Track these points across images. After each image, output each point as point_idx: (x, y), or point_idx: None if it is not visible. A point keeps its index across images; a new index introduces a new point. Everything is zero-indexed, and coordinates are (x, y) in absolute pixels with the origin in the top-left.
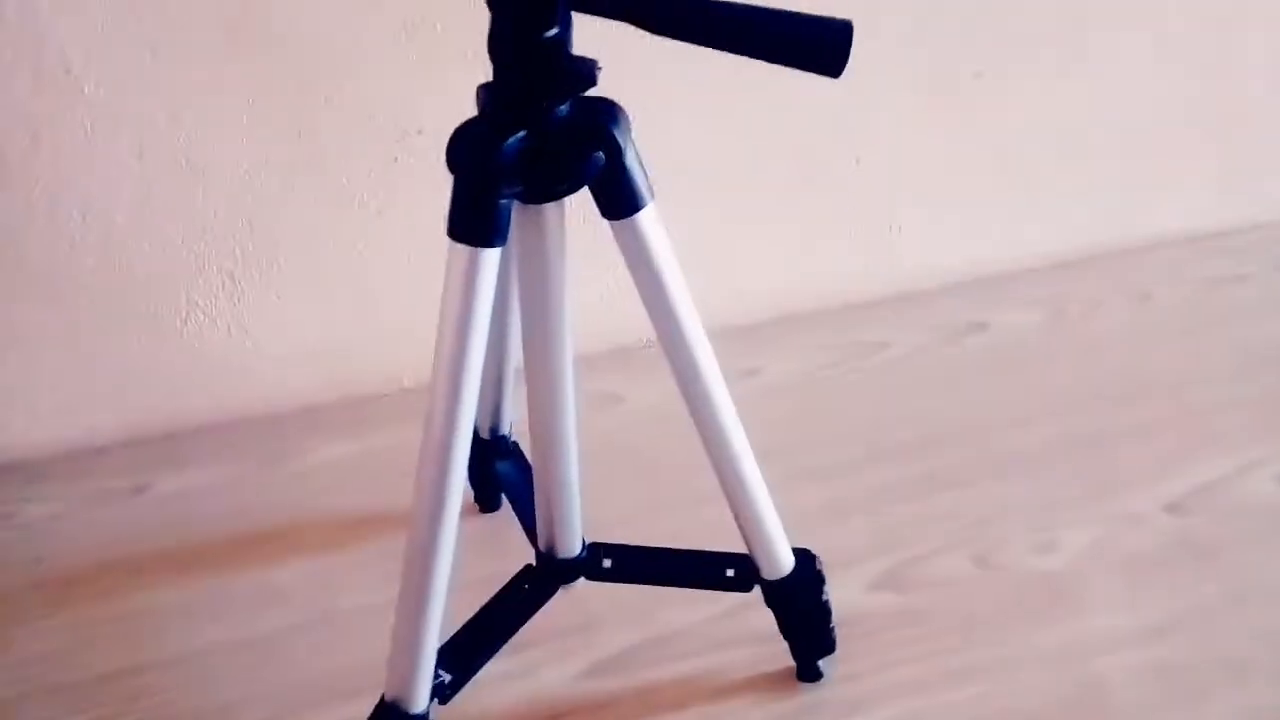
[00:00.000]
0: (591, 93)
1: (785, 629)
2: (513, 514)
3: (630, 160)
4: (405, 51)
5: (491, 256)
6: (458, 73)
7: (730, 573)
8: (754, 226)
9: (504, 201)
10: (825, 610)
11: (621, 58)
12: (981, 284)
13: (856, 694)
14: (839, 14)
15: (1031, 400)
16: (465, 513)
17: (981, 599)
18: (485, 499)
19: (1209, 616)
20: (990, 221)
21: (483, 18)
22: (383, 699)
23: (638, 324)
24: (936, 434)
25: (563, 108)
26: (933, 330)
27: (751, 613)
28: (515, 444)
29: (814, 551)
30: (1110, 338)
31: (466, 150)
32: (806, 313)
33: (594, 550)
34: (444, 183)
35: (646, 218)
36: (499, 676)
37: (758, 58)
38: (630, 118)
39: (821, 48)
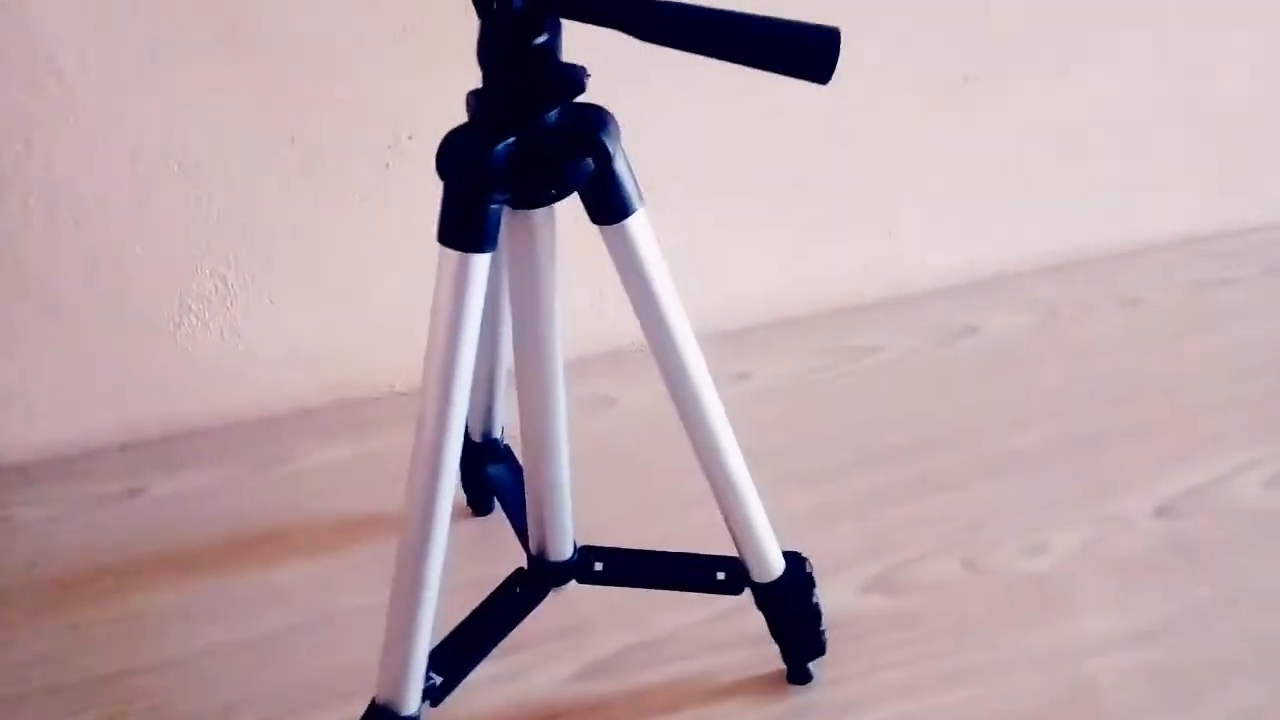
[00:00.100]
0: (583, 98)
1: (775, 632)
2: (505, 517)
3: (620, 166)
4: (399, 56)
5: (481, 261)
6: (451, 78)
7: (721, 576)
8: (745, 231)
9: (494, 207)
10: (815, 613)
11: (614, 64)
12: (973, 288)
13: (847, 696)
14: (833, 19)
15: (1023, 403)
16: (458, 516)
17: (972, 602)
18: (478, 502)
19: (1199, 619)
20: (981, 225)
21: (475, 23)
22: (374, 701)
23: (630, 327)
24: (928, 437)
25: (552, 114)
26: (924, 334)
27: (742, 615)
28: (507, 447)
29: (804, 554)
30: (1101, 341)
31: (456, 157)
32: (798, 317)
33: (585, 553)
34: (436, 188)
35: (636, 223)
36: (490, 679)
37: (747, 64)
38: (620, 124)
39: (809, 54)
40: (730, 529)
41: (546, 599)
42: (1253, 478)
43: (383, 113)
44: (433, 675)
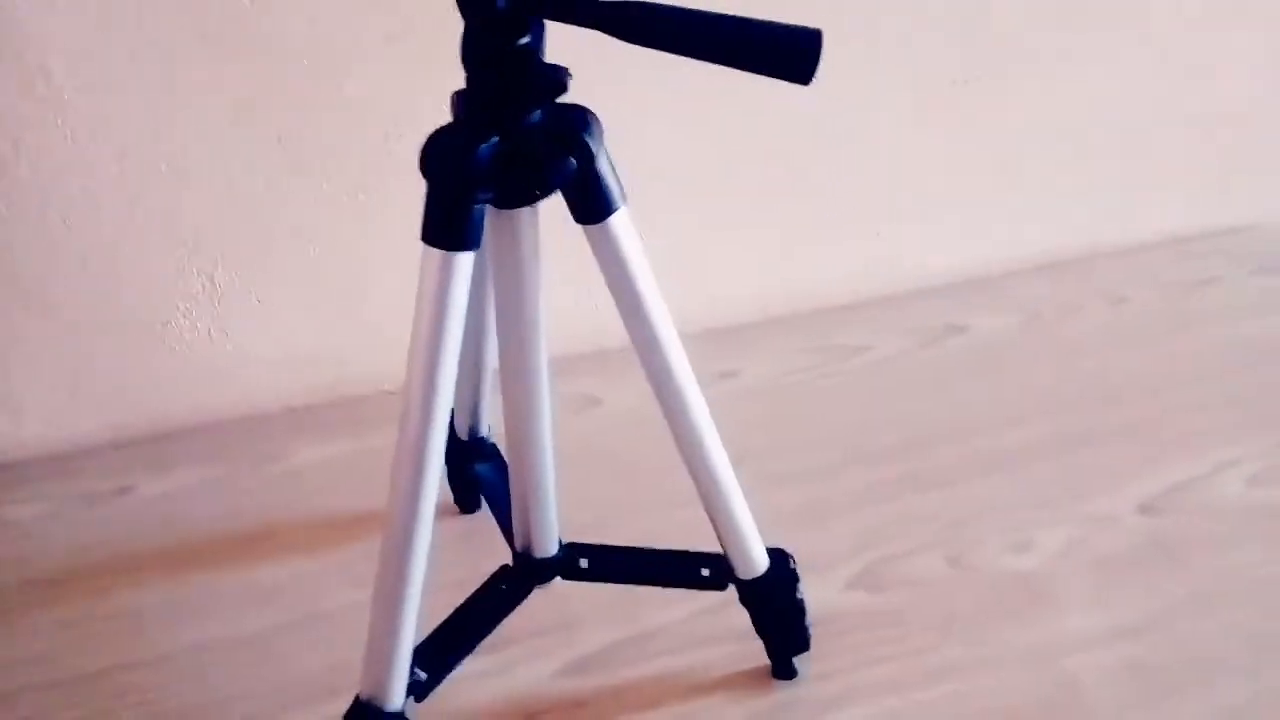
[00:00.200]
0: (569, 99)
1: (760, 627)
2: (492, 515)
3: (602, 165)
4: (388, 57)
5: (465, 260)
6: (441, 79)
7: (705, 572)
8: (732, 230)
9: (477, 206)
10: (800, 609)
11: (600, 65)
12: (961, 287)
13: (831, 692)
14: (821, 20)
15: (1009, 402)
16: (445, 514)
17: (957, 599)
18: (465, 500)
19: (1182, 616)
20: (970, 225)
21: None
22: (358, 697)
23: (617, 327)
24: (914, 436)
25: (535, 114)
26: (912, 333)
27: (727, 612)
28: (494, 446)
29: (789, 551)
30: (1086, 340)
31: (440, 156)
32: (786, 316)
33: (570, 550)
34: (424, 187)
35: (619, 222)
36: (476, 675)
37: (728, 65)
38: (606, 124)
39: (791, 55)
40: (714, 526)
41: (532, 595)
42: (1235, 475)
43: (372, 113)
44: (417, 671)
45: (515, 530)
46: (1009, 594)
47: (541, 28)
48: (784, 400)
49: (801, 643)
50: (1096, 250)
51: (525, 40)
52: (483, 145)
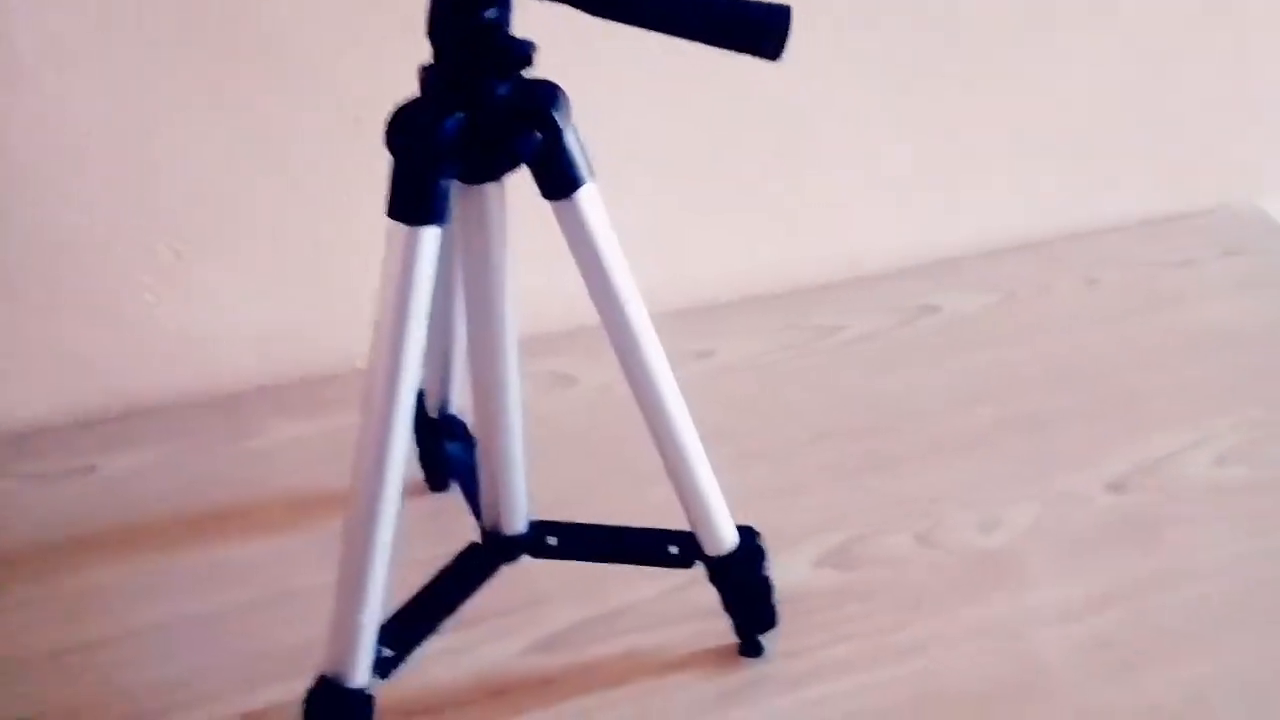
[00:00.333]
0: (548, 77)
1: (727, 605)
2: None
3: (569, 140)
4: (357, 32)
5: (431, 235)
6: (409, 54)
7: (673, 549)
8: (708, 211)
9: (443, 181)
10: (767, 586)
11: (575, 46)
12: (934, 268)
13: (799, 669)
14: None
15: (981, 381)
16: (414, 492)
17: (926, 576)
18: (434, 479)
19: (1148, 592)
20: (943, 206)
21: None
22: (321, 674)
23: (592, 305)
24: (885, 415)
25: (501, 88)
26: (885, 313)
27: (696, 589)
28: (464, 424)
29: (757, 528)
30: (1058, 321)
31: (404, 130)
32: (760, 295)
33: (538, 528)
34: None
35: (586, 197)
36: (443, 652)
37: (696, 40)
38: (580, 103)
39: (761, 31)
40: (682, 503)
41: (500, 573)
42: (1202, 455)
43: (342, 87)
44: (382, 648)
45: (483, 508)
46: (978, 572)
47: (508, 1)
48: (757, 379)
49: (769, 620)
50: (1069, 232)
51: (491, 13)
52: (448, 119)
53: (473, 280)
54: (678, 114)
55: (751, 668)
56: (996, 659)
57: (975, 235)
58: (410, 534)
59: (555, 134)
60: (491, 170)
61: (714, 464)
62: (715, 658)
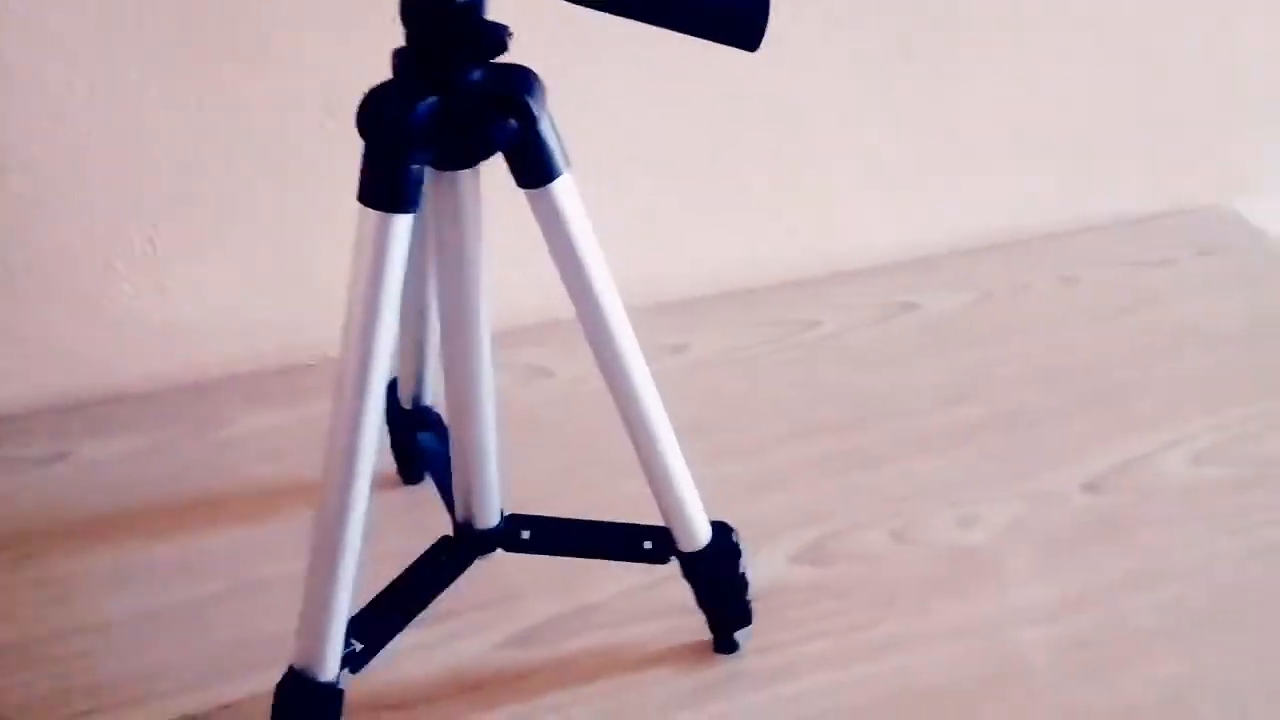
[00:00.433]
0: (540, 70)
1: (701, 601)
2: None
3: (545, 128)
4: (332, 19)
5: (403, 223)
6: (386, 43)
7: (648, 545)
8: (684, 205)
9: (415, 167)
10: (742, 582)
11: (561, 39)
12: (913, 265)
13: (774, 665)
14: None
15: (959, 379)
16: (387, 484)
17: (902, 573)
18: (408, 470)
19: (1125, 591)
20: (922, 203)
21: None
22: (291, 667)
23: (568, 297)
24: (863, 411)
25: (476, 73)
26: (863, 309)
27: (670, 585)
28: (438, 415)
29: (733, 524)
30: (1036, 319)
31: (376, 114)
32: (737, 290)
33: (512, 522)
34: None
35: (562, 187)
36: (415, 647)
37: (672, 28)
38: (558, 91)
39: (738, 21)
40: (657, 498)
41: (474, 567)
42: (1179, 454)
43: (317, 73)
44: (353, 642)
45: (456, 501)
46: (954, 569)
47: None
48: (733, 375)
49: (743, 616)
50: (1048, 230)
51: None
52: (420, 103)
53: (446, 270)
54: (651, 107)
55: (726, 664)
56: (972, 657)
57: (954, 233)
58: (383, 526)
59: (530, 122)
60: (465, 157)
61: (688, 459)
62: (690, 653)
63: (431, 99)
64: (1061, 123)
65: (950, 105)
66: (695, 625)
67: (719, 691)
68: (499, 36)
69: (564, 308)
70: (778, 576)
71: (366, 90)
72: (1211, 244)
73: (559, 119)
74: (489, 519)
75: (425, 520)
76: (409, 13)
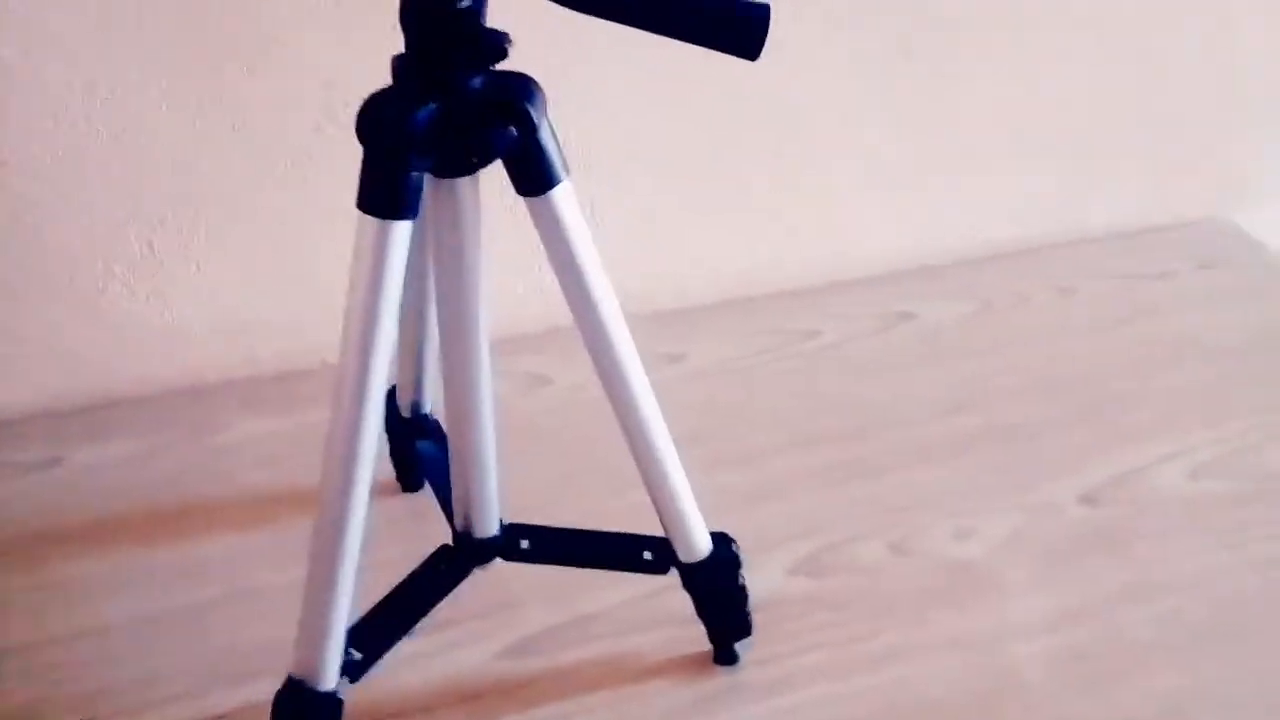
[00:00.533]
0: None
1: (701, 612)
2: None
3: (545, 136)
4: (332, 22)
5: (402, 229)
6: (386, 46)
7: (647, 555)
8: (684, 212)
9: (414, 174)
10: (741, 593)
11: (563, 41)
12: (911, 275)
13: (773, 677)
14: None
15: (956, 390)
16: (386, 492)
17: (900, 585)
18: (407, 479)
19: (1122, 604)
20: (921, 213)
21: None
22: (290, 676)
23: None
24: (861, 422)
25: (476, 80)
26: (862, 319)
27: (670, 595)
28: (437, 423)
29: (732, 535)
30: (1035, 331)
31: (376, 120)
32: (735, 300)
33: (511, 531)
34: None
35: (561, 195)
36: (414, 656)
37: (673, 37)
38: (560, 98)
39: (739, 29)
40: (657, 509)
41: (473, 577)
42: (1176, 467)
43: (317, 77)
44: (352, 651)
45: (455, 510)
46: (952, 581)
47: None
48: (731, 384)
49: (743, 628)
50: (1048, 241)
51: (465, 3)
52: (420, 109)
53: (445, 277)
54: (649, 113)
55: (725, 675)
56: (970, 669)
57: (953, 244)
58: (381, 534)
59: (530, 129)
60: (465, 164)
61: (687, 468)
62: (689, 664)
63: (431, 106)
64: (1059, 135)
65: (950, 108)
66: (695, 636)
67: (719, 703)
68: (499, 43)
69: (563, 315)
70: (775, 588)
71: (366, 96)
72: (1211, 257)
73: (558, 121)
74: (488, 528)
75: (424, 528)
76: (409, 19)
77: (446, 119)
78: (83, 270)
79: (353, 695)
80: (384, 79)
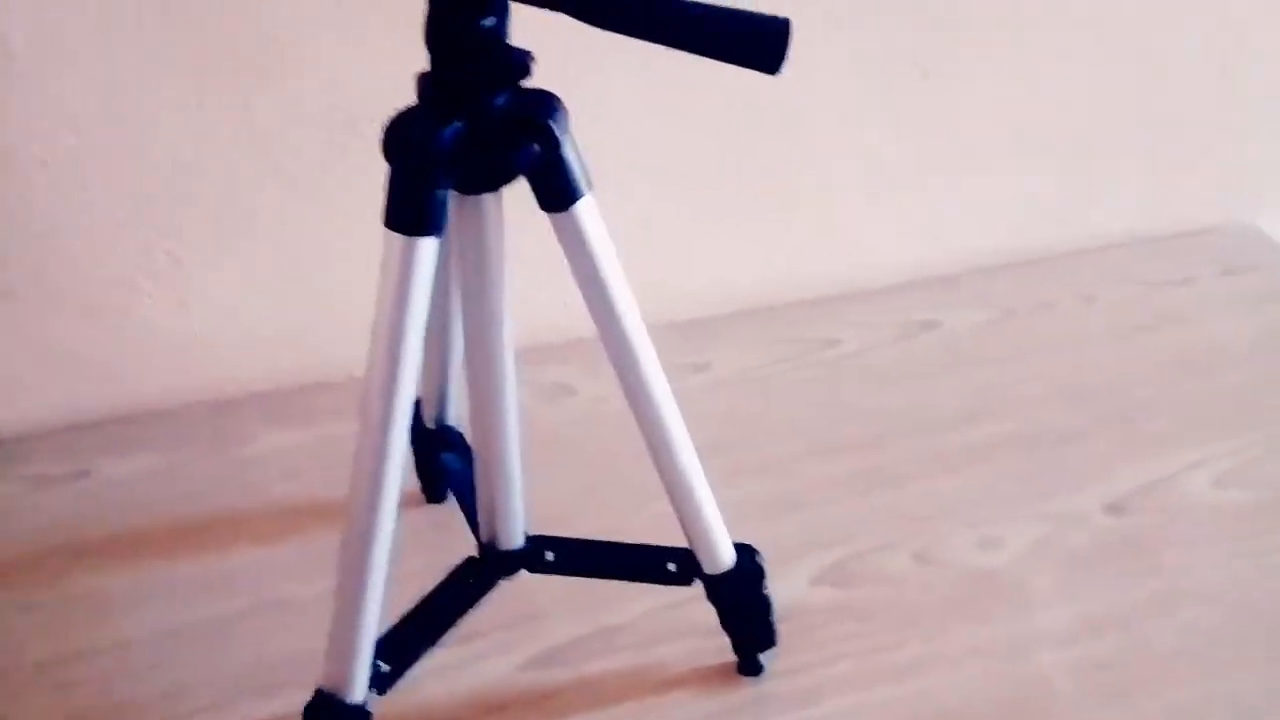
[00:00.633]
0: (550, 86)
1: (726, 623)
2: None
3: (568, 152)
4: (356, 36)
5: (428, 246)
6: (407, 59)
7: (671, 567)
8: (706, 222)
9: (440, 191)
10: (766, 604)
11: (574, 52)
12: (933, 283)
13: (798, 687)
14: (793, 9)
15: (979, 398)
16: (411, 503)
17: (924, 595)
18: (431, 490)
19: (1148, 614)
20: (942, 221)
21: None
22: (319, 689)
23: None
24: (884, 430)
25: (500, 98)
26: (884, 328)
27: (694, 606)
28: (461, 435)
29: (756, 546)
30: (1058, 338)
31: (402, 139)
32: (759, 308)
33: (536, 543)
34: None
35: (584, 209)
36: (440, 667)
37: (695, 53)
38: (583, 112)
39: (759, 44)
40: (681, 520)
41: (498, 588)
42: (1202, 476)
43: (340, 93)
44: (380, 663)
45: (480, 522)
46: (976, 591)
47: (505, 9)
48: (754, 394)
49: (767, 638)
50: (1068, 249)
51: (490, 22)
52: (446, 129)
53: (470, 291)
54: (671, 123)
55: (750, 686)
56: (994, 679)
57: (974, 251)
58: (406, 546)
59: (554, 146)
60: (489, 181)
61: (710, 478)
62: (713, 675)
63: (456, 124)
64: (1080, 140)
65: (966, 115)
66: (719, 647)
67: (744, 714)
68: (523, 62)
69: (585, 326)
70: (799, 598)
71: (391, 114)
72: (1233, 262)
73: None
74: (513, 540)
75: (448, 539)
76: (433, 37)
77: (471, 136)
78: (109, 284)
79: (379, 707)
80: (403, 93)
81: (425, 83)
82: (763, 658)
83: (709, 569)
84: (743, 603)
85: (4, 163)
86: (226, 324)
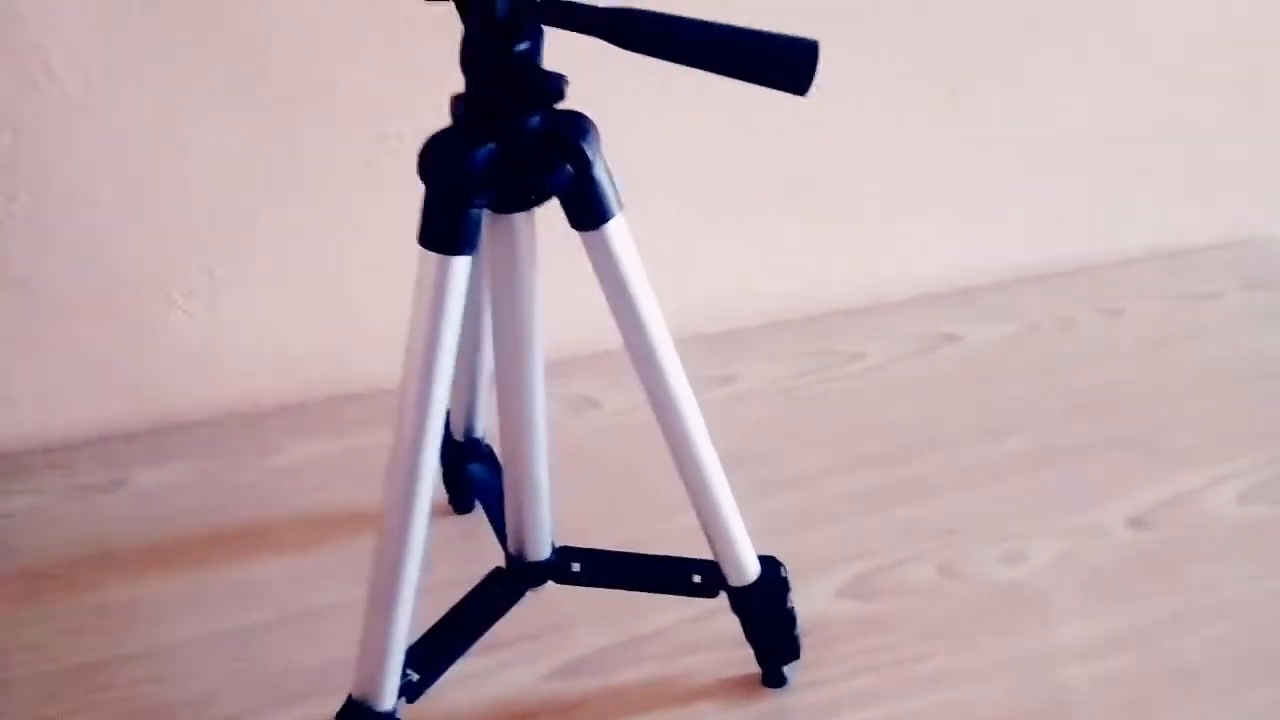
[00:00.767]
0: (569, 102)
1: (750, 635)
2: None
3: (599, 172)
4: (388, 55)
5: (461, 264)
6: (439, 79)
7: (696, 578)
8: (732, 235)
9: (474, 211)
10: (790, 617)
11: (597, 66)
12: (956, 296)
13: (821, 700)
14: (817, 25)
15: (1002, 412)
16: (439, 514)
17: (948, 608)
18: (459, 501)
19: (1171, 629)
20: (966, 234)
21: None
22: (350, 697)
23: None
24: (908, 444)
25: (533, 120)
26: (907, 341)
27: (719, 618)
28: (489, 447)
29: (780, 559)
30: (1081, 352)
31: (438, 160)
32: (783, 321)
33: (563, 554)
34: (422, 187)
35: (615, 229)
36: (467, 676)
37: (726, 75)
38: (605, 126)
39: (788, 66)
40: (706, 533)
41: (525, 598)
42: (1226, 491)
43: (372, 111)
44: (409, 672)
45: (508, 533)
46: (1000, 604)
47: (540, 34)
48: (779, 406)
49: (792, 651)
50: (1092, 262)
51: (524, 46)
52: (480, 150)
53: (501, 307)
54: (696, 138)
55: (774, 698)
56: (1018, 692)
57: (997, 265)
58: (434, 556)
59: (586, 167)
60: (522, 201)
61: (735, 490)
62: (738, 686)
63: (490, 146)
64: (1104, 154)
65: (993, 136)
66: (744, 658)
67: None
68: (556, 86)
69: (611, 338)
70: (824, 610)
71: (426, 136)
72: (1257, 276)
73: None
74: (540, 551)
75: (475, 549)
76: (469, 61)
77: (505, 158)
78: (145, 298)
79: (406, 715)
80: (440, 113)
81: (460, 104)
82: (787, 670)
83: (734, 581)
84: (767, 615)
85: (47, 179)
86: (259, 336)
